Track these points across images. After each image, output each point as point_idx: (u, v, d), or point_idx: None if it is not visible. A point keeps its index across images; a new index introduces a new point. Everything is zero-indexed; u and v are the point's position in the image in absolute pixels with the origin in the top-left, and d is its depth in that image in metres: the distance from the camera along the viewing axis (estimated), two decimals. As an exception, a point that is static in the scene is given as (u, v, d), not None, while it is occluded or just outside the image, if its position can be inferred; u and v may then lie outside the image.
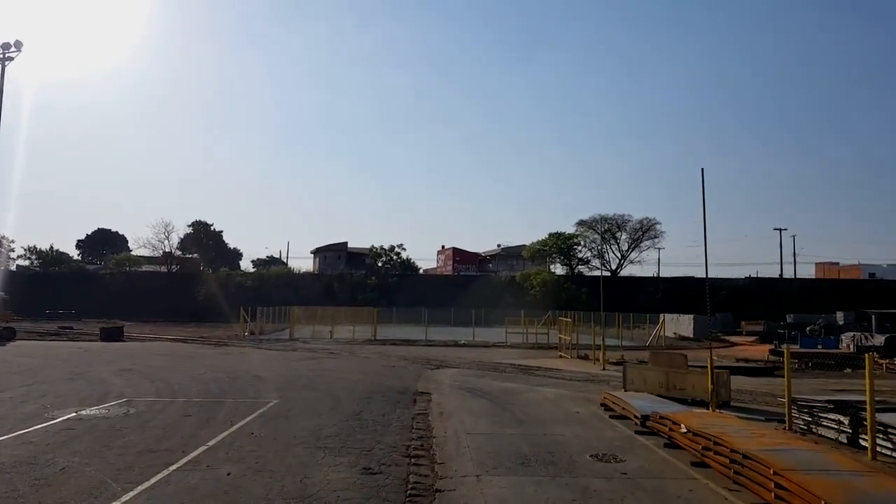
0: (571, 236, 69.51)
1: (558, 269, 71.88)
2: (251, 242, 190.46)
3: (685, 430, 8.94)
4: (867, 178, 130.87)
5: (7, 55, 30.35)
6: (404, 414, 11.52)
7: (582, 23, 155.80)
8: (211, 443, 8.85)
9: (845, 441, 9.60)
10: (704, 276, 14.98)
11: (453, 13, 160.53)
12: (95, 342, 29.98)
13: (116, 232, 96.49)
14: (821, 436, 10.15)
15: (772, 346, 27.63)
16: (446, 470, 7.67)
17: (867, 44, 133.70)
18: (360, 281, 66.92)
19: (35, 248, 71.41)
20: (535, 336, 30.74)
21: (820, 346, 27.38)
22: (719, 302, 63.18)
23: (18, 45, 31.46)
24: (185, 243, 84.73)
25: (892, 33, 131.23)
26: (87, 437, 9.19)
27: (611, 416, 11.60)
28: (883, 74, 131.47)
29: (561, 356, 24.90)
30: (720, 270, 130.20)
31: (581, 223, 69.33)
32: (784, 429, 10.76)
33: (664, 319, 35.86)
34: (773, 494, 6.38)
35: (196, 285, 66.22)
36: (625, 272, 70.39)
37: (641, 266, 72.39)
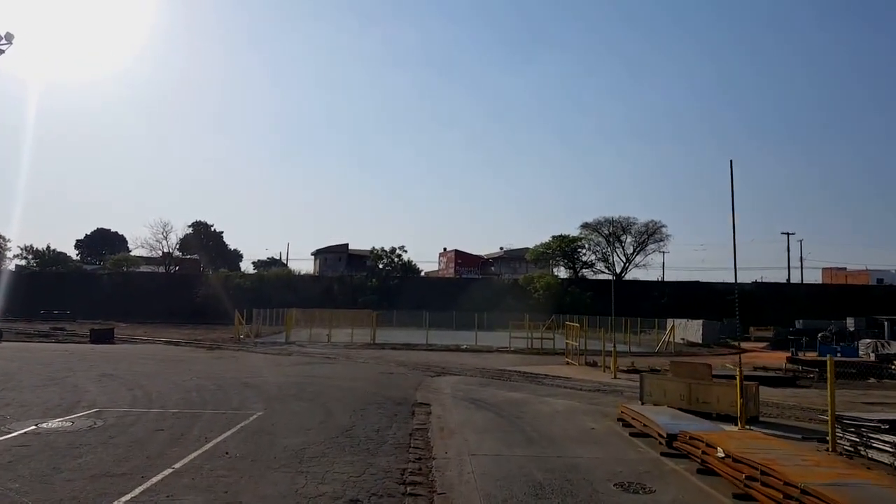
0: (575, 239, 68.31)
1: (561, 273, 70.73)
2: (252, 244, 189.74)
3: (723, 455, 7.77)
4: (873, 183, 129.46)
5: (-3, 47, 29.29)
6: (401, 429, 10.37)
7: (583, 23, 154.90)
8: (178, 465, 7.71)
9: (903, 467, 8.43)
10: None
11: (454, 14, 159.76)
12: (84, 344, 28.92)
13: (116, 232, 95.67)
14: (871, 459, 8.97)
15: (789, 354, 26.36)
16: (447, 503, 6.53)
17: (871, 46, 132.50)
18: (360, 283, 65.82)
19: (32, 247, 70.54)
20: (541, 341, 29.55)
21: (839, 354, 26.14)
22: (726, 307, 61.97)
23: (9, 37, 30.36)
24: (185, 244, 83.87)
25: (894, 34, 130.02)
26: (39, 456, 8.05)
27: (631, 434, 10.43)
28: (888, 76, 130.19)
29: (568, 363, 23.72)
30: (726, 275, 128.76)
31: (585, 226, 68.15)
32: (827, 450, 9.59)
33: (674, 325, 34.58)
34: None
35: (195, 286, 65.22)
36: (629, 276, 69.21)
37: (647, 270, 71.21)
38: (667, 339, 33.37)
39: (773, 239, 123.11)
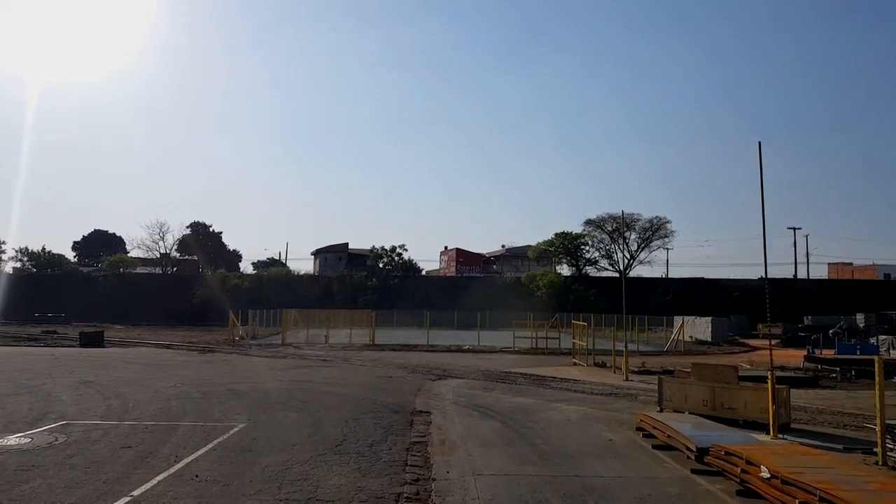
0: (579, 236, 67.23)
1: (564, 270, 69.62)
2: (252, 244, 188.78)
3: (769, 475, 6.69)
4: (880, 178, 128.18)
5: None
6: (398, 443, 9.30)
7: (584, 24, 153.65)
8: (137, 492, 6.66)
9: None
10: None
11: (454, 15, 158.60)
12: (73, 348, 27.90)
13: (114, 234, 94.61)
14: (930, 475, 7.89)
15: (804, 352, 25.24)
16: (449, 541, 5.46)
17: (875, 42, 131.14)
18: (360, 282, 64.77)
19: (27, 249, 69.55)
20: (546, 341, 28.46)
21: (858, 352, 25.03)
22: (732, 303, 60.85)
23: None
24: (183, 245, 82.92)
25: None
26: (-21, 482, 7.00)
27: (654, 447, 9.36)
28: (894, 72, 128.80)
29: (575, 363, 22.64)
30: (731, 271, 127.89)
31: (588, 222, 67.03)
32: (876, 463, 8.51)
33: (683, 322, 33.48)
34: None
35: (193, 287, 64.21)
36: (633, 273, 68.06)
37: (651, 267, 69.94)
38: (676, 338, 32.27)
39: (779, 234, 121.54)
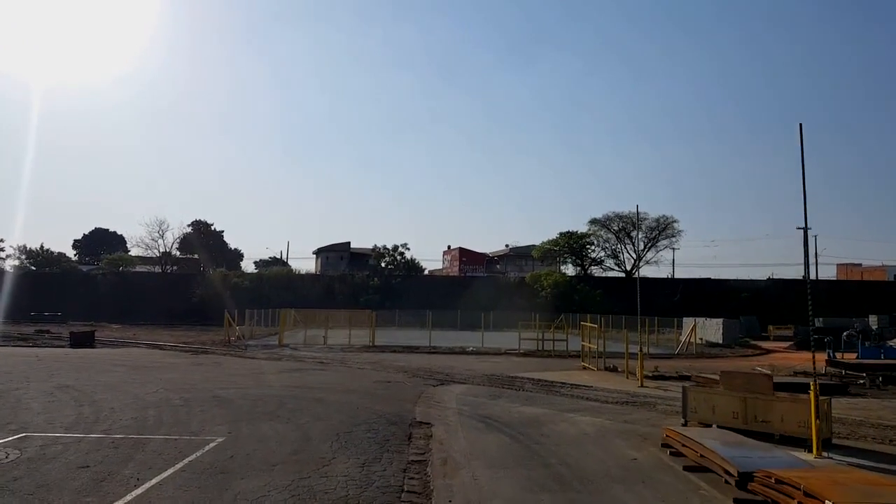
0: (584, 235, 65.98)
1: (569, 270, 68.40)
2: (254, 243, 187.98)
3: (838, 514, 5.56)
4: (888, 178, 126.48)
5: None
6: (394, 462, 8.19)
7: (585, 24, 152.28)
8: (79, 529, 5.57)
9: None
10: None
11: (456, 14, 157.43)
12: (62, 348, 26.92)
13: (115, 232, 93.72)
14: None
15: (824, 356, 23.99)
16: None
17: (878, 41, 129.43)
18: (361, 282, 63.67)
19: (25, 247, 68.68)
20: (553, 343, 27.31)
21: (882, 356, 23.81)
22: (741, 304, 59.53)
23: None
24: (185, 243, 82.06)
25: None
26: None
27: (685, 468, 8.22)
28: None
29: (585, 367, 21.49)
30: (738, 272, 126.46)
31: (594, 221, 65.78)
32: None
33: (695, 324, 32.28)
34: None
35: (193, 286, 63.25)
36: (640, 273, 66.74)
37: (658, 267, 68.71)
38: (687, 340, 31.07)
39: (787, 235, 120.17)
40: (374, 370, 19.76)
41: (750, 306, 58.95)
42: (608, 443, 9.70)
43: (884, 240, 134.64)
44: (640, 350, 17.57)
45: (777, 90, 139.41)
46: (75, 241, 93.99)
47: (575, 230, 66.36)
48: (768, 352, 33.96)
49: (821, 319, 52.75)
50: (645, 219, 63.75)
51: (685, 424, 11.12)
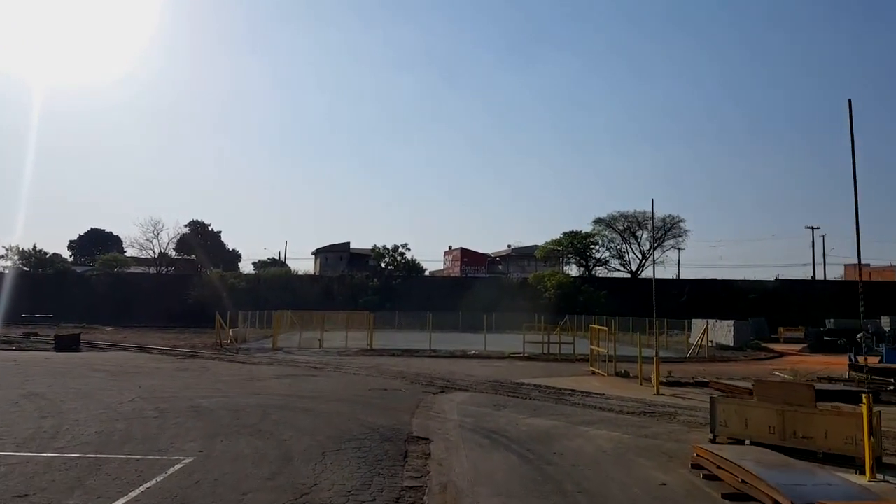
0: (588, 235, 64.81)
1: (573, 271, 67.24)
2: (253, 244, 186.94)
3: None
4: (894, 177, 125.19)
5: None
6: (385, 489, 7.04)
7: (586, 24, 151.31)
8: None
9: None
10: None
11: (456, 14, 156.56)
12: (46, 352, 25.83)
13: (110, 232, 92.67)
14: None
15: (847, 360, 22.80)
16: None
17: (881, 40, 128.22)
18: (361, 283, 62.52)
19: (18, 248, 67.58)
20: (559, 346, 26.12)
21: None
22: (749, 306, 58.28)
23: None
24: (182, 244, 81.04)
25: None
26: None
27: (724, 496, 7.06)
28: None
29: (594, 373, 20.32)
30: (745, 272, 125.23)
31: (598, 221, 64.60)
32: None
33: (707, 326, 31.07)
34: None
35: (188, 288, 62.16)
36: (644, 274, 65.51)
37: (664, 267, 67.42)
38: (699, 343, 29.87)
39: (795, 235, 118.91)
40: (371, 376, 18.60)
41: (758, 307, 57.76)
42: (630, 463, 8.53)
43: (892, 240, 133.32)
44: (657, 355, 16.39)
45: (778, 90, 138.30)
46: (70, 241, 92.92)
47: (579, 230, 65.25)
48: (781, 354, 32.75)
49: (832, 321, 51.60)
50: (650, 218, 62.57)
51: (714, 440, 9.96)
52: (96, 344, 30.08)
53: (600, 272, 65.95)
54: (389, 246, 66.93)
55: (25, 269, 67.65)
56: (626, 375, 19.25)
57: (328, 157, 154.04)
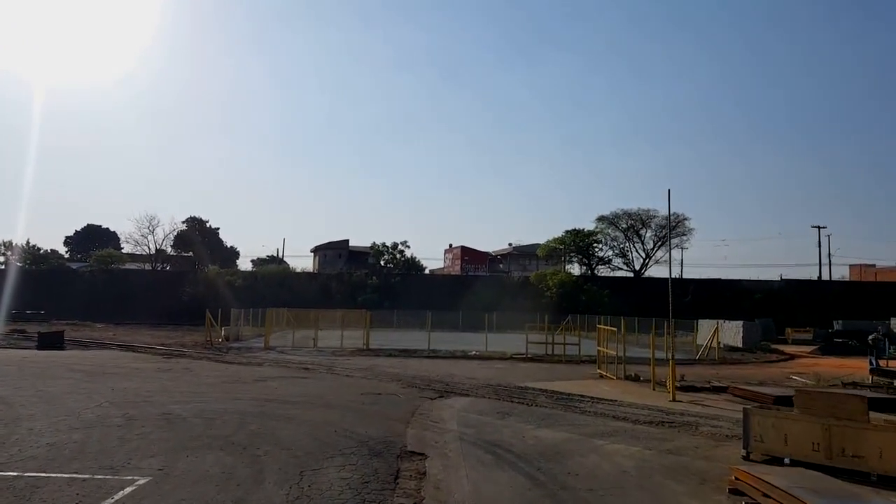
0: (591, 233, 63.53)
1: (574, 269, 66.00)
2: (253, 241, 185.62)
3: None
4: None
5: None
6: (369, 522, 5.88)
7: (587, 23, 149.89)
8: None
9: None
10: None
11: (458, 15, 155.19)
12: (29, 350, 24.69)
13: (107, 228, 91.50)
14: None
15: (868, 363, 21.63)
16: None
17: (883, 39, 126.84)
18: (359, 281, 61.30)
19: (10, 243, 66.39)
20: (564, 347, 24.93)
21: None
22: (754, 306, 57.04)
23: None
24: (181, 240, 79.94)
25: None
26: None
27: (777, 533, 5.89)
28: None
29: (602, 376, 19.16)
30: (750, 272, 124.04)
31: (601, 219, 63.33)
32: None
33: (718, 327, 29.86)
34: None
35: (185, 285, 61.00)
36: (648, 273, 64.33)
37: (668, 266, 66.16)
38: (708, 344, 28.68)
39: (801, 234, 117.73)
40: (365, 378, 17.43)
41: (763, 308, 56.55)
42: (657, 486, 7.36)
43: None
44: (672, 358, 15.20)
45: (778, 89, 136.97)
46: (67, 237, 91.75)
47: (581, 228, 64.00)
48: (793, 357, 31.54)
49: (840, 322, 50.41)
50: (654, 216, 61.44)
51: (747, 457, 8.79)
52: (82, 342, 28.94)
53: (603, 271, 64.74)
54: (389, 243, 65.76)
55: (19, 264, 66.50)
56: (636, 379, 18.08)
57: (328, 155, 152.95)
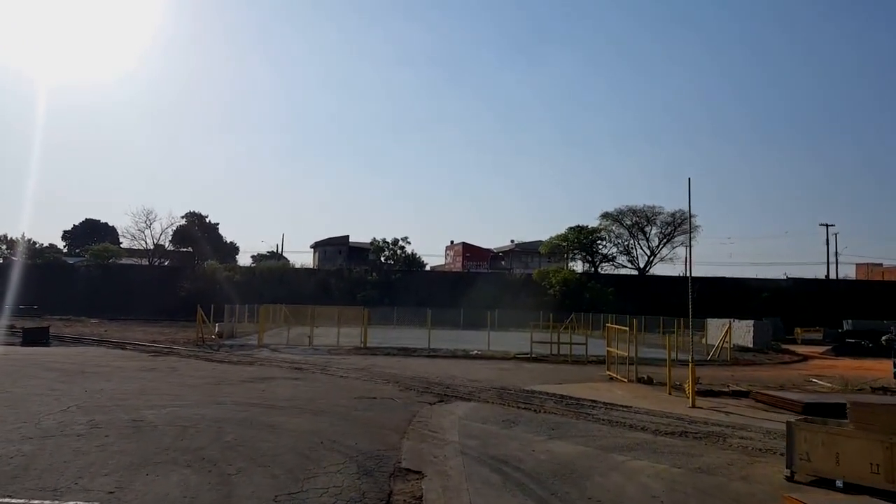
0: (594, 230, 62.34)
1: (577, 267, 64.86)
2: (253, 238, 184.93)
3: None
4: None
5: None
6: (352, 567, 4.77)
7: (589, 21, 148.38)
8: None
9: None
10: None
11: (460, 13, 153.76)
12: (12, 346, 23.65)
13: (105, 223, 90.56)
14: None
15: (893, 365, 20.49)
16: None
17: (885, 38, 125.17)
18: (359, 277, 60.24)
19: (6, 237, 65.36)
20: (570, 347, 23.80)
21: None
22: (761, 305, 55.89)
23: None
24: (181, 235, 79.01)
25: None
26: None
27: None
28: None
29: (612, 378, 18.05)
30: (756, 270, 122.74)
31: (606, 216, 62.13)
32: None
33: (730, 326, 28.71)
34: None
35: (182, 280, 59.97)
36: (653, 271, 63.12)
37: (673, 264, 64.91)
38: (720, 344, 27.55)
39: (808, 232, 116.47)
40: (360, 379, 16.35)
41: (770, 307, 55.43)
42: (696, 517, 6.25)
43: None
44: (692, 360, 14.08)
45: (779, 88, 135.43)
46: (65, 231, 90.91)
47: (585, 225, 62.81)
48: (806, 358, 30.42)
49: (849, 322, 49.22)
50: (660, 213, 60.25)
51: (791, 478, 7.67)
52: (69, 338, 27.90)
53: (606, 269, 63.59)
54: (389, 239, 64.65)
55: (13, 258, 65.50)
56: (649, 382, 16.97)
57: (329, 152, 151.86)
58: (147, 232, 65.06)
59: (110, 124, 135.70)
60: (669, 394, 14.91)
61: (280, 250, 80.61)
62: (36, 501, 6.07)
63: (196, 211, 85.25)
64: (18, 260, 63.49)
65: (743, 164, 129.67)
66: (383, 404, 12.45)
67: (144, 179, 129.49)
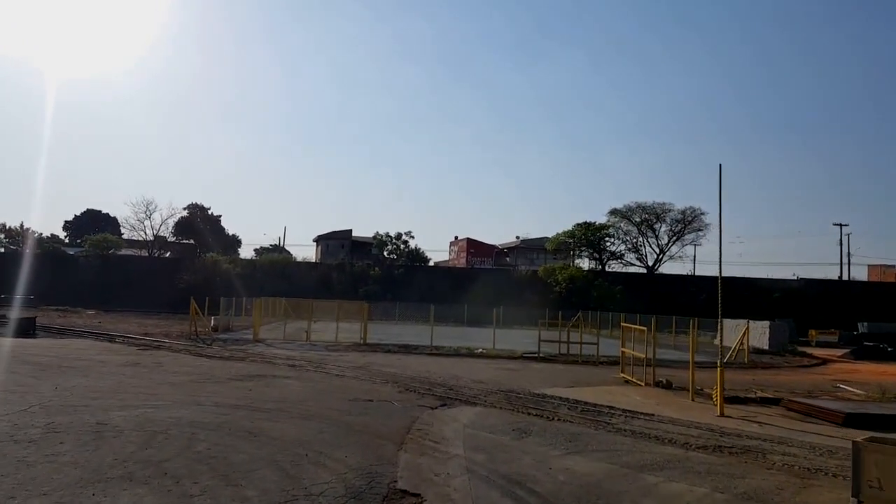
0: (602, 227, 61.03)
1: (584, 264, 63.57)
2: (256, 231, 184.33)
3: None
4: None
5: None
6: None
7: (593, 21, 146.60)
8: None
9: None
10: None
11: (465, 10, 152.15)
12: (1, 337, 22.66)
13: (107, 214, 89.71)
14: None
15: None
16: None
17: (886, 37, 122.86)
18: (361, 271, 59.14)
19: (4, 226, 64.54)
20: (580, 346, 22.59)
21: None
22: (773, 305, 54.53)
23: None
24: (183, 227, 78.21)
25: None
26: None
27: None
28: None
29: (627, 381, 16.85)
30: (767, 270, 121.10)
31: (614, 212, 60.80)
32: None
33: (748, 328, 27.42)
34: None
35: (182, 272, 59.02)
36: (662, 269, 61.78)
37: (683, 263, 63.54)
38: (737, 346, 26.30)
39: (822, 232, 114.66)
40: (357, 379, 15.22)
41: (781, 307, 54.06)
42: (757, 564, 5.07)
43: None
44: (720, 365, 12.91)
45: (781, 88, 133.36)
46: (66, 222, 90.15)
47: (592, 221, 61.48)
48: (825, 361, 29.12)
49: (864, 324, 47.84)
50: (670, 210, 58.87)
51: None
52: (60, 329, 26.90)
53: (614, 266, 62.32)
54: (392, 234, 63.52)
55: (13, 247, 64.75)
56: (668, 386, 15.78)
57: (334, 146, 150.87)
58: (147, 223, 64.07)
59: (116, 117, 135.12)
60: (692, 400, 13.73)
61: (282, 243, 79.57)
62: (-55, 532, 4.95)
63: (198, 203, 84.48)
64: (16, 248, 62.73)
65: (746, 165, 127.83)
66: (380, 408, 11.30)
67: (148, 171, 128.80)
